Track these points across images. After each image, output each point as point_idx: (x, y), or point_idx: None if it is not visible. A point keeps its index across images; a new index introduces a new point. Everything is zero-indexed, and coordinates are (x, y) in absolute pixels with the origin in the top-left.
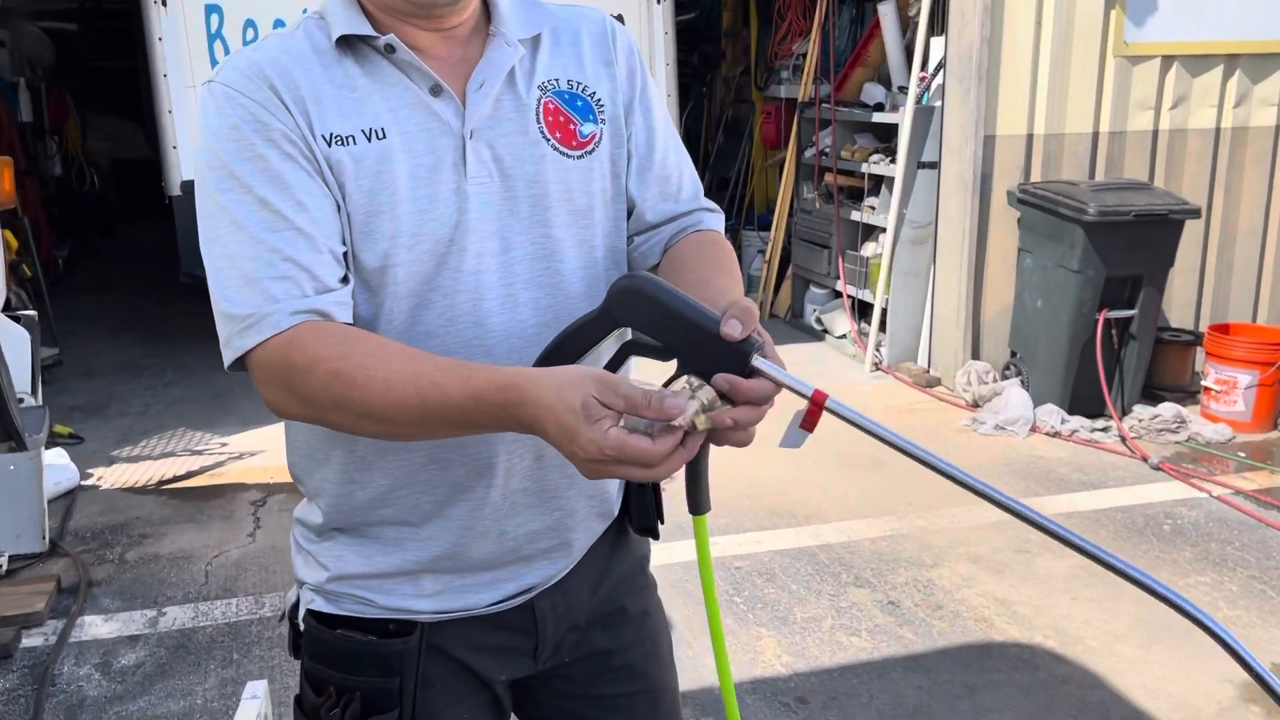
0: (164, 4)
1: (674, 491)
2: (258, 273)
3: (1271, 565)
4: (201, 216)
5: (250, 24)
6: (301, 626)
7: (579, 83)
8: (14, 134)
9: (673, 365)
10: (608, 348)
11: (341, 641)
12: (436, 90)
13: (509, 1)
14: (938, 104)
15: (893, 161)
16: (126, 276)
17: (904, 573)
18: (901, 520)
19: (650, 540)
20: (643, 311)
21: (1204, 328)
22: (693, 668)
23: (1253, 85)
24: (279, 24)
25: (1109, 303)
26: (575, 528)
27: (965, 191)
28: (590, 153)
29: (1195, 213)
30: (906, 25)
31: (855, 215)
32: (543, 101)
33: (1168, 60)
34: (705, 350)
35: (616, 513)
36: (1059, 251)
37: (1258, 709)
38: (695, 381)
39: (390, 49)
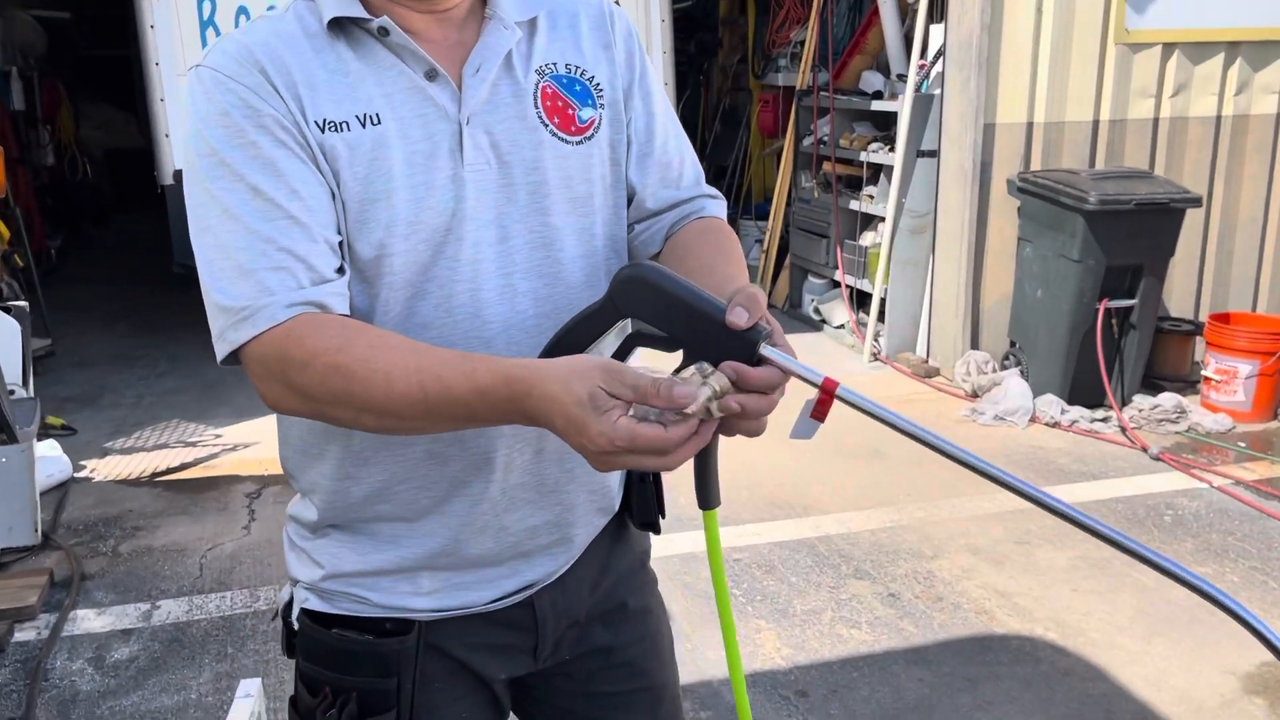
0: None
1: (671, 483)
2: (252, 264)
3: (1273, 556)
4: (191, 206)
5: (243, 10)
6: (295, 625)
7: (577, 67)
8: (6, 123)
9: (678, 356)
10: (611, 340)
11: (337, 641)
12: (432, 75)
13: None
14: (937, 92)
15: (891, 150)
16: (120, 266)
17: (904, 564)
18: (901, 511)
19: (651, 535)
20: (647, 301)
21: (1204, 317)
22: (692, 661)
23: (1254, 73)
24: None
25: (1109, 292)
26: (576, 523)
27: (965, 180)
28: (589, 138)
29: (1196, 201)
30: (905, 12)
31: (854, 204)
32: (540, 86)
33: (1169, 48)
34: (712, 339)
35: (617, 507)
36: (1059, 241)
37: (1261, 701)
38: (707, 368)
39: (384, 32)
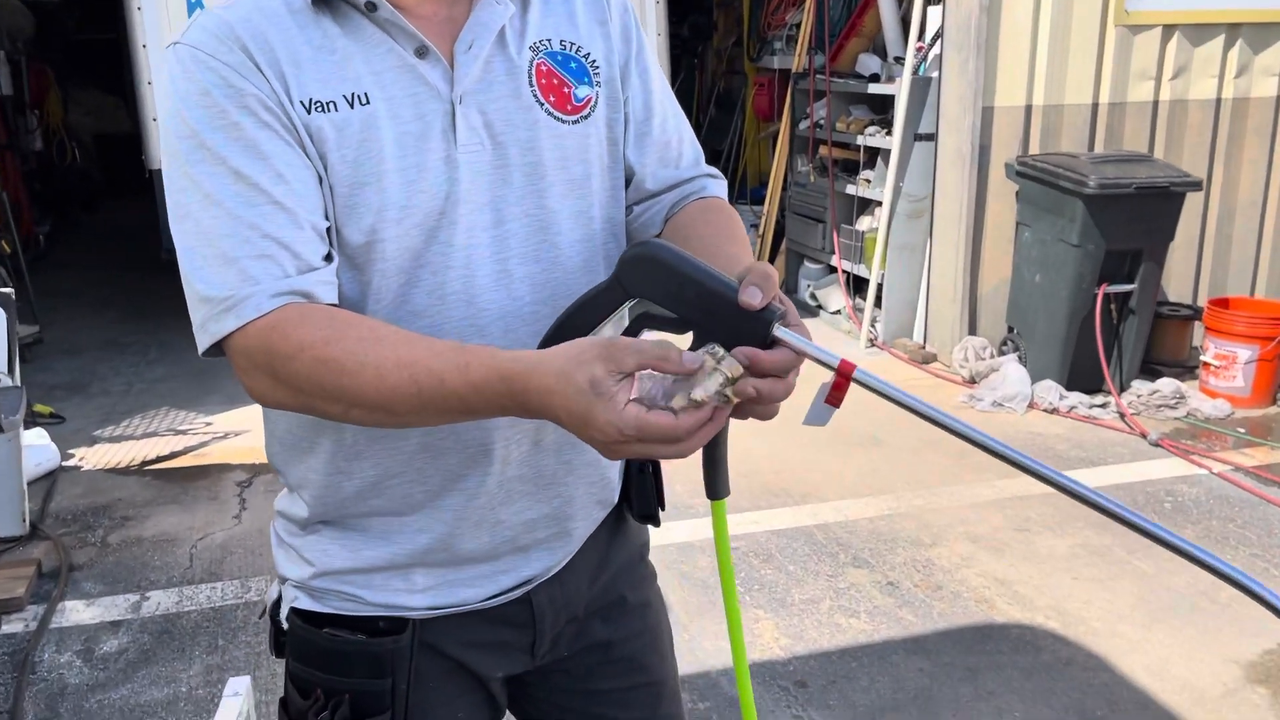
0: None
1: (668, 471)
2: (234, 251)
3: (1274, 543)
4: (170, 191)
5: None
6: (285, 625)
7: (572, 43)
8: None
9: (688, 339)
10: (611, 327)
11: (328, 641)
12: (422, 52)
13: None
14: (935, 74)
15: (889, 134)
16: (109, 252)
17: (903, 553)
18: (899, 499)
19: (650, 528)
20: (656, 280)
21: (1203, 302)
22: (690, 651)
23: (1254, 55)
24: None
25: (1108, 277)
26: (575, 515)
27: (963, 164)
28: (586, 117)
29: (1197, 185)
30: None
31: (850, 189)
32: (535, 63)
33: (1169, 29)
34: (723, 320)
35: (617, 499)
36: (1058, 225)
37: (1264, 690)
38: (719, 351)
39: (371, 7)
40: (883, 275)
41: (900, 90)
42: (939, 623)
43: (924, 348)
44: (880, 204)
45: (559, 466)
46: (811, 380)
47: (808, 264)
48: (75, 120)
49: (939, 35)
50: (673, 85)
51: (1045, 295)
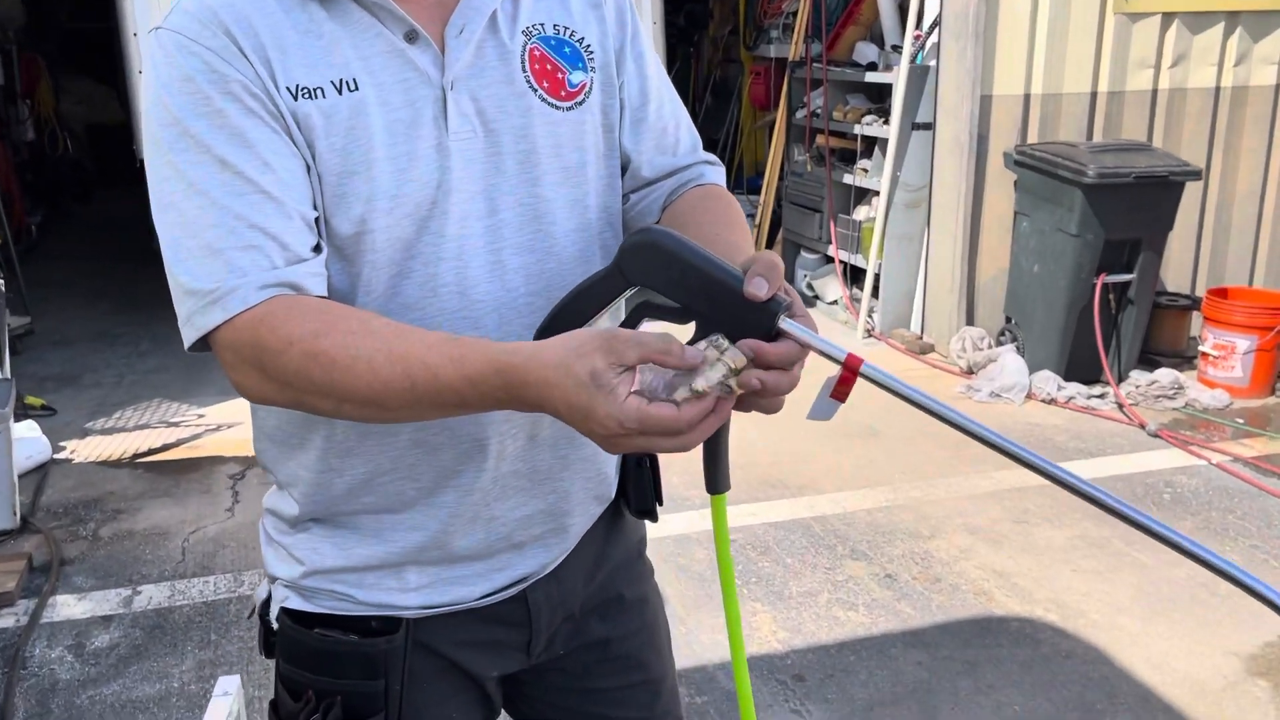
0: None
1: (664, 463)
2: (220, 242)
3: (1273, 534)
4: (153, 181)
5: None
6: (274, 625)
7: (566, 28)
8: None
9: (688, 330)
10: (607, 319)
11: (319, 642)
12: (412, 36)
13: None
14: (933, 63)
15: (886, 123)
16: (101, 243)
17: (901, 545)
18: (897, 491)
19: (647, 523)
20: (659, 268)
21: (1201, 292)
22: (686, 645)
23: (1253, 44)
24: None
25: (1107, 267)
26: (572, 511)
27: (960, 153)
28: (580, 104)
29: (1196, 174)
30: None
31: (847, 178)
32: (528, 48)
33: (1168, 17)
34: (727, 310)
35: (614, 495)
36: (1057, 214)
37: (1265, 683)
38: (722, 342)
39: None
40: (880, 265)
41: (898, 79)
42: (937, 615)
43: (921, 338)
44: (877, 193)
45: (555, 461)
46: (815, 373)
47: (804, 254)
48: (67, 110)
49: (937, 23)
50: (668, 74)
51: (1043, 285)
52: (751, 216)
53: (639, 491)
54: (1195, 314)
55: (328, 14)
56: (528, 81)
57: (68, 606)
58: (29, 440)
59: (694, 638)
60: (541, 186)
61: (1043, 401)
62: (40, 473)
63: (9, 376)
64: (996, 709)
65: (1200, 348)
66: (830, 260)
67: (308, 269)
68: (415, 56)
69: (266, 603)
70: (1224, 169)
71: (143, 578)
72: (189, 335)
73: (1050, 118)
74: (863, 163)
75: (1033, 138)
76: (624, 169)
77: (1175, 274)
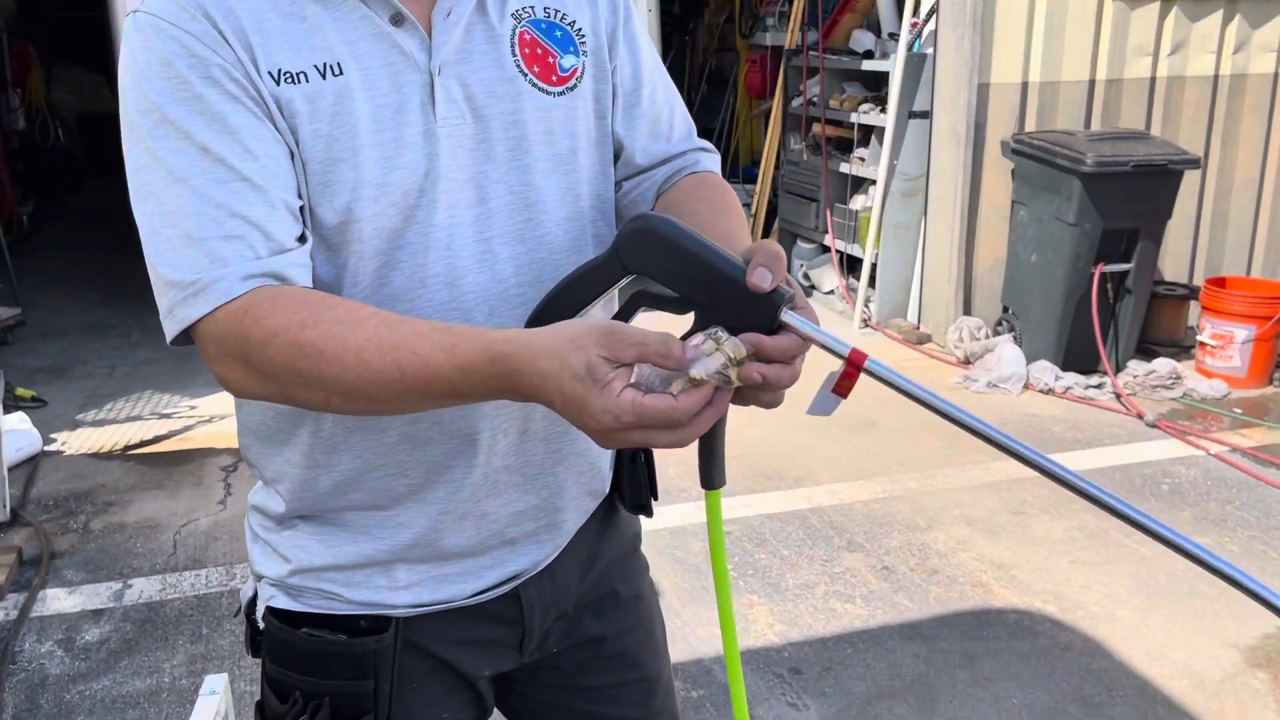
0: None
1: (659, 454)
2: (201, 232)
3: (1272, 525)
4: (131, 169)
5: None
6: (261, 625)
7: (557, 10)
8: None
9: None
10: (600, 308)
11: (307, 642)
12: (398, 19)
13: None
14: (930, 51)
15: (883, 111)
16: (93, 233)
17: (898, 536)
18: (894, 482)
19: (642, 518)
20: (658, 256)
21: (1199, 281)
22: (682, 638)
23: (1252, 31)
24: None
25: (1105, 256)
26: (565, 507)
27: (958, 142)
28: (572, 89)
29: (1195, 163)
30: None
31: (844, 167)
32: (518, 32)
33: (1166, 4)
34: (728, 302)
35: (608, 490)
36: (1054, 203)
37: (1264, 675)
38: (721, 334)
39: None
40: (877, 255)
41: (895, 67)
42: (935, 608)
43: (918, 328)
44: (874, 183)
45: (548, 456)
46: (812, 365)
47: (801, 243)
48: (58, 99)
49: (934, 11)
50: (663, 62)
51: (1041, 275)
52: (747, 206)
53: (633, 486)
54: (1193, 303)
55: None
56: (518, 66)
57: (58, 600)
58: (19, 432)
59: (690, 631)
60: (532, 174)
61: (1040, 392)
62: (30, 465)
63: None
64: (995, 701)
65: (1198, 337)
66: (826, 250)
67: (292, 259)
68: (401, 40)
69: (253, 601)
70: (1222, 157)
71: (134, 571)
72: (171, 329)
73: (1048, 106)
74: (859, 152)
75: (1030, 126)
76: (616, 156)
77: (1173, 263)
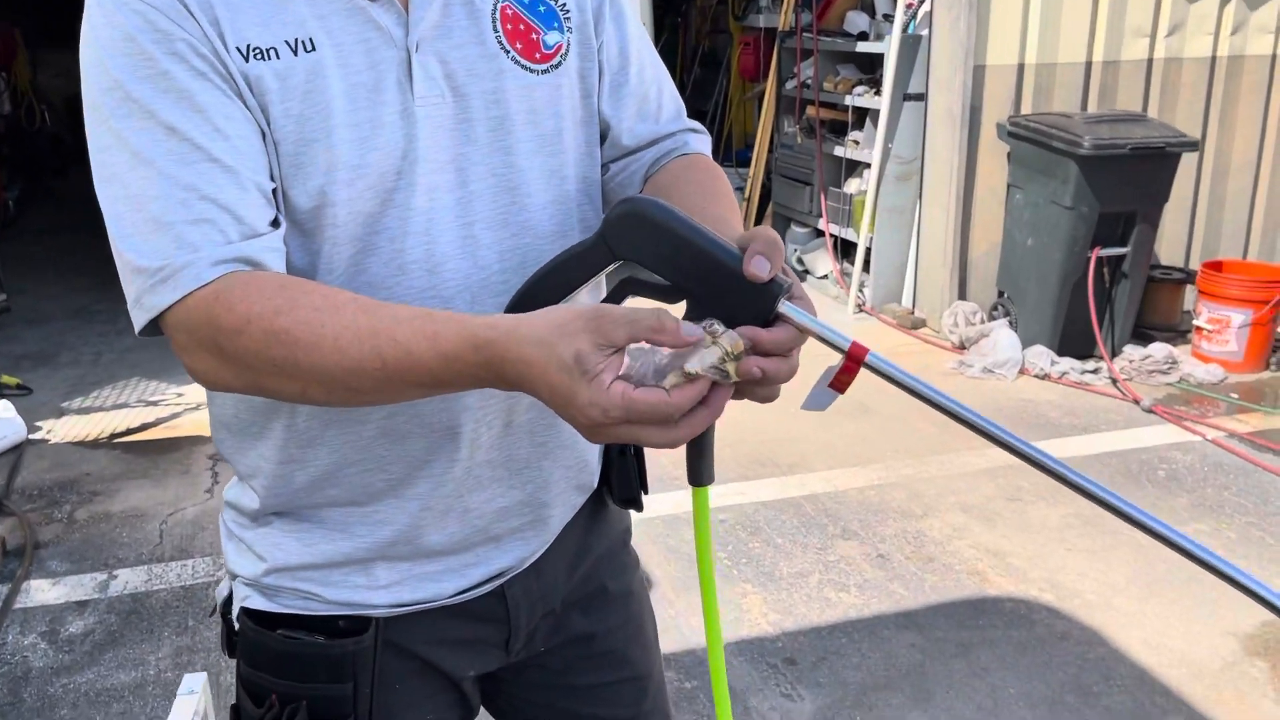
0: None
1: (650, 450)
2: (168, 215)
3: (1269, 511)
4: (95, 151)
5: None
6: (236, 625)
7: None
8: None
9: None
10: (586, 295)
11: (283, 644)
12: None
13: None
14: (925, 33)
15: (877, 94)
16: (80, 219)
17: (893, 524)
18: (889, 469)
19: (632, 513)
20: (649, 242)
21: (1195, 265)
22: (675, 629)
23: (1250, 11)
24: None
25: (1102, 240)
26: (552, 502)
27: (953, 124)
28: (556, 66)
29: (1193, 145)
30: None
31: (838, 150)
32: (500, 7)
33: None
34: (722, 291)
35: (596, 483)
36: (1051, 187)
37: (1263, 664)
38: (717, 327)
39: None
40: (871, 239)
41: (889, 49)
42: (931, 596)
43: (913, 313)
44: (869, 166)
45: (533, 450)
46: (806, 355)
47: (794, 228)
48: (44, 83)
49: None
50: (656, 44)
51: (1037, 259)
52: (741, 189)
53: (623, 480)
54: (1189, 287)
55: None
56: (499, 42)
57: (42, 592)
58: (3, 421)
59: (683, 621)
60: (515, 155)
61: (1036, 377)
62: (15, 454)
63: None
64: (991, 691)
65: (1194, 322)
66: (820, 234)
67: (265, 243)
68: (377, 15)
69: (228, 600)
70: (1219, 140)
71: (119, 561)
72: (139, 318)
73: (1044, 88)
74: (854, 135)
75: (1026, 108)
76: (603, 137)
77: (1169, 246)
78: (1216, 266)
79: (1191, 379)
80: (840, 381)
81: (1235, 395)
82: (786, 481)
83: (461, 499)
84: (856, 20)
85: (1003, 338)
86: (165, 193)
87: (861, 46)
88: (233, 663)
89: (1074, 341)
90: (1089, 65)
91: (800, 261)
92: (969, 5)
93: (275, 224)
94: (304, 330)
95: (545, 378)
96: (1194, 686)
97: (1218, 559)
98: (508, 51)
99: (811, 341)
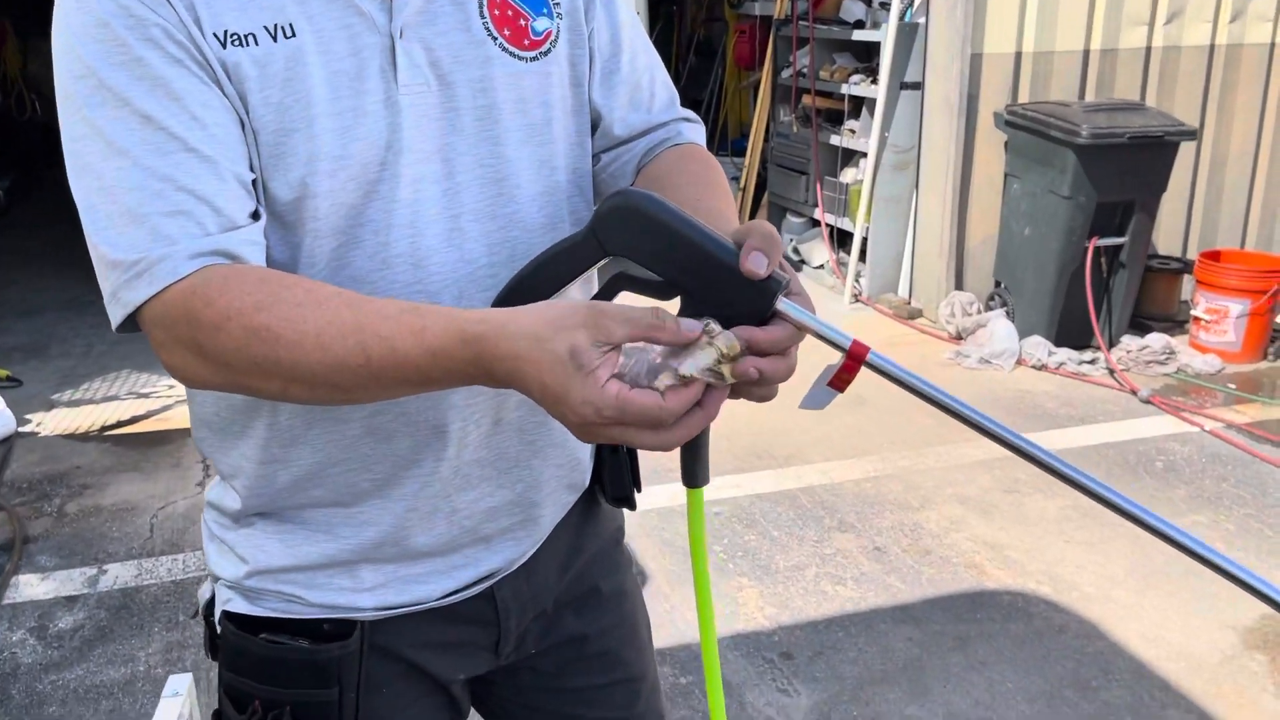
0: None
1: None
2: (144, 207)
3: (1268, 503)
4: (68, 141)
5: None
6: (218, 629)
7: None
8: None
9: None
10: (577, 289)
11: (265, 648)
12: None
13: None
14: (922, 20)
15: (874, 82)
16: (72, 209)
17: (890, 516)
18: (885, 460)
19: (625, 511)
20: (641, 237)
21: (1192, 254)
22: (670, 623)
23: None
24: None
25: (1099, 230)
26: (542, 501)
27: (950, 113)
28: (545, 53)
29: (1191, 134)
30: None
31: (834, 139)
32: None
33: None
34: (719, 288)
35: (588, 482)
36: (1048, 176)
37: (1262, 657)
38: (713, 326)
39: None
40: (867, 229)
41: (886, 37)
42: (928, 589)
43: (909, 303)
44: (865, 155)
45: (523, 448)
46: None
47: (790, 217)
48: (35, 72)
49: None
50: (651, 33)
51: (1034, 249)
52: (736, 179)
53: (615, 478)
54: (1186, 277)
55: None
56: (486, 29)
57: (30, 587)
58: None
59: (679, 615)
60: (503, 146)
61: (1033, 368)
62: (4, 447)
63: None
64: (989, 686)
65: (1192, 312)
66: (816, 224)
67: (244, 236)
68: (360, 0)
69: (210, 603)
70: (1217, 128)
71: (109, 556)
72: (116, 313)
73: (1042, 77)
74: (850, 124)
75: (1024, 97)
76: (594, 127)
77: (1166, 236)
78: (1214, 256)
79: (1189, 369)
80: (840, 380)
81: (1233, 386)
82: (782, 473)
83: (449, 499)
84: (853, 8)
85: (999, 328)
86: (140, 184)
87: (858, 34)
88: None
89: (1071, 332)
90: (1087, 53)
91: (796, 251)
92: None
93: (255, 216)
94: (285, 326)
95: (538, 374)
96: (1193, 680)
97: (1213, 552)
98: (495, 38)
99: (809, 337)
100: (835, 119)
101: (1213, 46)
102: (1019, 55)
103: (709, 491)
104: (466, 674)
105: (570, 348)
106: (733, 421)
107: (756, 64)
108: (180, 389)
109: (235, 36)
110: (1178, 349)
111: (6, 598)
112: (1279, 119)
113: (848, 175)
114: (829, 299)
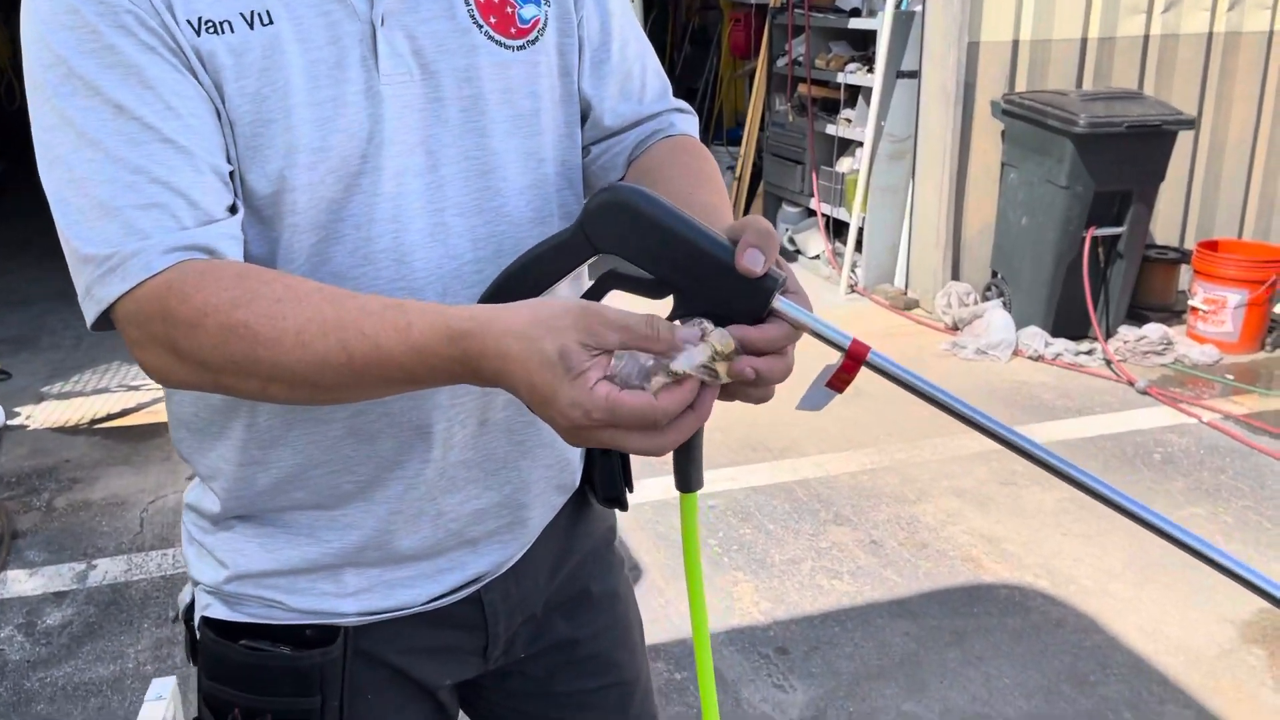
0: None
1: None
2: (116, 200)
3: (1266, 495)
4: (38, 132)
5: None
6: (198, 634)
7: None
8: None
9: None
10: (567, 286)
11: (246, 655)
12: None
13: None
14: (918, 9)
15: (870, 71)
16: None
17: (886, 509)
18: (881, 453)
19: (616, 512)
20: (632, 234)
21: (1189, 244)
22: (665, 618)
23: None
24: None
25: (1097, 219)
26: (530, 503)
27: (947, 102)
28: (533, 42)
29: (1189, 123)
30: None
31: (830, 129)
32: None
33: None
34: (713, 286)
35: (578, 483)
36: (1046, 165)
37: (1260, 651)
38: (707, 326)
39: None
40: (863, 219)
41: (882, 25)
42: (924, 583)
43: (906, 294)
44: (861, 144)
45: (511, 449)
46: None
47: (786, 207)
48: None
49: None
50: (645, 21)
51: (1032, 239)
52: (731, 169)
53: (606, 478)
54: (1184, 267)
55: None
56: (472, 16)
57: (18, 582)
58: None
59: (673, 610)
60: (489, 137)
61: (1030, 359)
62: None
63: None
64: (986, 681)
65: (1190, 302)
66: (812, 213)
67: (222, 230)
68: None
69: (190, 607)
70: (1215, 117)
71: (98, 551)
72: (90, 311)
73: (1039, 65)
74: (846, 113)
75: (1021, 86)
76: (584, 118)
77: (1164, 226)
78: (1212, 246)
79: (1187, 360)
80: (839, 380)
81: (1230, 377)
82: (778, 466)
83: (434, 501)
84: None
85: (996, 319)
86: (113, 176)
87: (854, 23)
88: None
89: (1068, 322)
90: (1084, 42)
91: (792, 241)
92: None
93: (233, 210)
94: (264, 324)
95: (526, 374)
96: (1191, 674)
97: (1209, 546)
98: (481, 26)
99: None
100: (831, 108)
101: (1211, 34)
102: (1016, 43)
103: (705, 483)
104: (454, 679)
105: (560, 349)
106: (727, 414)
107: (752, 52)
108: None
109: (210, 23)
110: (1175, 339)
111: None
112: (1277, 107)
113: (844, 165)
114: (825, 289)
